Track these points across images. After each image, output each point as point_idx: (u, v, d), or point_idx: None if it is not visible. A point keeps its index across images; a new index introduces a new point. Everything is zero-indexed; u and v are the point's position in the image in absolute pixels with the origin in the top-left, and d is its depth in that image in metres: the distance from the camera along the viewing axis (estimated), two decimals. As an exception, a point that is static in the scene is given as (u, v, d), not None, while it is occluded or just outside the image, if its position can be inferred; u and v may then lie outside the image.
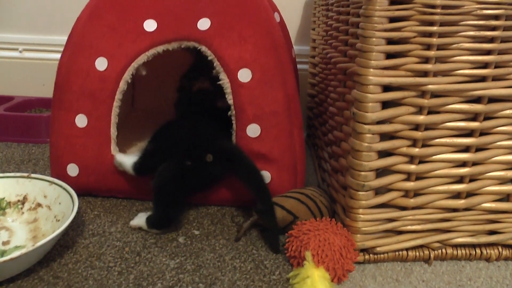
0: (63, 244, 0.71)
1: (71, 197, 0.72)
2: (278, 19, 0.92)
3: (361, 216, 0.67)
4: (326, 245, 0.65)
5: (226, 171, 0.77)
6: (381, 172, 0.67)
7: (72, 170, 0.81)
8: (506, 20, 0.61)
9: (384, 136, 0.65)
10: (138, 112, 1.14)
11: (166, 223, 0.75)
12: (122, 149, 0.86)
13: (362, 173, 0.65)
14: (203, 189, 0.80)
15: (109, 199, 0.85)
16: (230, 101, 0.77)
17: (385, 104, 0.63)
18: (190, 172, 0.75)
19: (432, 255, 0.71)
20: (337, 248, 0.65)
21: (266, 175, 0.78)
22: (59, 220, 0.72)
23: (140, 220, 0.76)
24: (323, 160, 0.91)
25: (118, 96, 0.80)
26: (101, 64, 0.79)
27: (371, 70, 0.61)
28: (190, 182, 0.75)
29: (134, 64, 0.80)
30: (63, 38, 0.86)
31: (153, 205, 0.76)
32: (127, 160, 0.78)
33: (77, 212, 0.78)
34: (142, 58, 0.80)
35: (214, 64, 0.77)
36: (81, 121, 0.80)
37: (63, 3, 1.23)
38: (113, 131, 0.80)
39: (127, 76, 0.80)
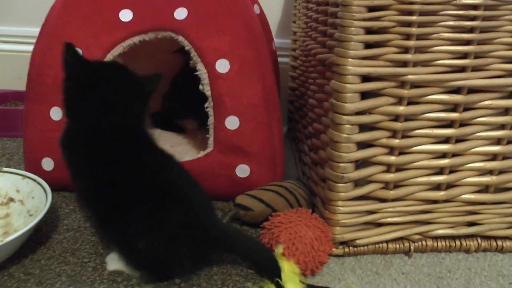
0: (36, 240, 0.69)
1: (45, 191, 0.70)
2: (258, 11, 0.90)
3: (340, 208, 0.66)
4: (297, 237, 0.64)
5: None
6: (360, 163, 0.66)
7: (47, 164, 0.79)
8: (485, 10, 0.60)
9: (364, 127, 0.64)
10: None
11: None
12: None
13: (341, 164, 0.64)
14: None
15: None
16: (208, 92, 0.75)
17: (364, 95, 0.62)
18: None
19: (412, 247, 0.70)
20: (308, 240, 0.64)
21: (245, 169, 0.77)
22: (32, 215, 0.70)
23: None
24: (303, 153, 0.90)
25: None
26: None
27: (350, 60, 0.60)
28: None
29: (110, 56, 0.78)
30: (36, 30, 0.83)
31: None
32: None
33: (51, 207, 0.77)
34: (118, 49, 0.78)
35: (191, 55, 0.76)
36: (56, 114, 0.78)
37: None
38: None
39: (102, 67, 0.77)
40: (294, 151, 1.02)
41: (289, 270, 0.61)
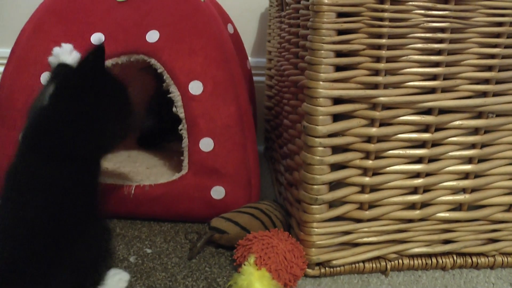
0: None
1: None
2: (231, 31, 0.91)
3: (315, 230, 0.66)
4: (269, 248, 0.64)
5: None
6: (334, 185, 0.66)
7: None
8: (451, 33, 0.61)
9: (337, 149, 0.64)
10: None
11: None
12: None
13: (315, 186, 0.64)
14: None
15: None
16: (182, 115, 0.75)
17: (336, 117, 0.63)
18: None
19: (388, 266, 0.70)
20: (280, 251, 0.64)
21: (220, 191, 0.76)
22: None
23: None
24: (279, 173, 0.90)
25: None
26: (46, 78, 0.76)
27: (321, 83, 0.60)
28: None
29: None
30: (6, 51, 0.82)
31: None
32: None
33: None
34: (90, 73, 0.77)
35: (164, 77, 0.75)
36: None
37: (7, 13, 1.17)
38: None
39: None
40: (271, 171, 1.02)
41: (259, 275, 0.61)
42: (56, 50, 0.67)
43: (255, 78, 1.09)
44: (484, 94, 0.66)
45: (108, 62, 0.77)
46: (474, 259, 0.72)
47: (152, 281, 0.66)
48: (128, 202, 0.78)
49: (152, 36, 0.76)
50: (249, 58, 1.11)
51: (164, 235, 0.77)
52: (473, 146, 0.68)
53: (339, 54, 0.61)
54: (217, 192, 0.77)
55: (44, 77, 0.76)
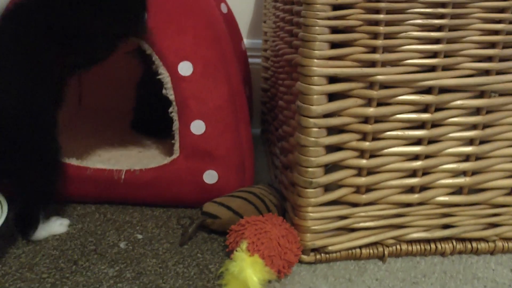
0: (-10, 255, 0.65)
1: (0, 203, 0.66)
2: (225, 10, 0.88)
3: (310, 214, 0.64)
4: (262, 233, 0.62)
5: None
6: (330, 167, 0.64)
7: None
8: (453, 7, 0.58)
9: (332, 130, 0.62)
10: (86, 110, 1.08)
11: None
12: (69, 150, 0.80)
13: (310, 169, 0.61)
14: None
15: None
16: (172, 97, 0.73)
17: (332, 96, 0.60)
18: None
19: (386, 252, 0.69)
20: (274, 237, 0.62)
21: (213, 174, 0.74)
22: (-14, 229, 0.66)
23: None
24: (275, 156, 0.88)
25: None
26: None
27: (315, 60, 0.57)
28: None
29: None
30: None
31: None
32: None
33: (10, 219, 0.73)
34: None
35: (153, 58, 0.73)
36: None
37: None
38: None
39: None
40: (267, 153, 0.99)
41: (251, 261, 0.59)
42: None
43: (251, 60, 1.06)
44: (486, 72, 0.63)
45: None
46: (474, 244, 0.71)
47: (142, 267, 0.64)
48: (118, 187, 0.75)
49: (141, 16, 0.74)
50: (245, 39, 1.09)
51: (155, 220, 0.75)
52: (474, 126, 0.65)
53: (334, 30, 0.58)
54: (210, 176, 0.74)
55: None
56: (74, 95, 1.06)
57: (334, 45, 0.58)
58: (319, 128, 0.60)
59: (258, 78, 1.09)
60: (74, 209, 0.78)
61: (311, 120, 0.59)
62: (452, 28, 0.60)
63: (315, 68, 0.58)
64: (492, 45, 0.62)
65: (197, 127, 0.73)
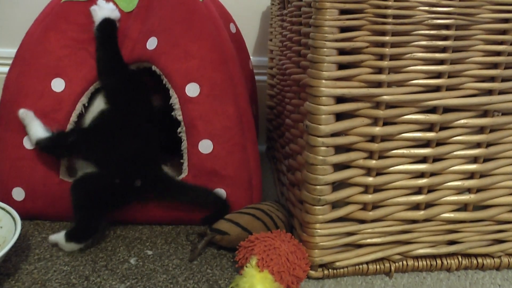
0: (3, 272, 0.66)
1: (14, 220, 0.68)
2: (234, 30, 0.90)
3: (318, 231, 0.65)
4: (272, 249, 0.63)
5: (160, 197, 0.76)
6: (337, 185, 0.65)
7: (18, 194, 0.76)
8: (456, 30, 0.60)
9: (340, 149, 0.63)
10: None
11: (86, 235, 0.72)
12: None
13: (318, 187, 0.63)
14: (124, 206, 0.77)
15: (59, 221, 0.80)
16: (180, 117, 0.74)
17: (339, 116, 0.62)
18: (116, 190, 0.73)
19: (393, 268, 0.69)
20: (283, 252, 0.63)
21: (221, 192, 0.75)
22: None
23: (58, 235, 0.72)
24: (281, 173, 0.89)
25: (74, 118, 0.76)
26: (58, 85, 0.76)
27: (323, 81, 0.59)
28: (114, 198, 0.74)
29: (92, 88, 0.77)
30: (6, 51, 0.81)
31: (73, 215, 0.73)
32: None
33: (22, 236, 0.74)
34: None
35: (164, 82, 0.75)
36: (28, 142, 0.76)
37: (6, 13, 1.16)
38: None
39: (84, 98, 0.77)
40: (273, 170, 1.01)
41: (261, 277, 0.60)
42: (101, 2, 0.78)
43: (256, 77, 1.08)
44: (489, 92, 0.64)
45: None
46: (480, 260, 0.71)
47: (153, 283, 0.65)
48: (128, 207, 0.77)
49: (152, 43, 0.76)
50: (251, 57, 1.10)
51: (165, 237, 0.76)
52: (478, 145, 0.66)
53: (341, 52, 0.59)
54: (218, 195, 0.76)
55: (56, 82, 0.76)
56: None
57: (341, 66, 0.60)
58: (327, 147, 0.61)
59: (263, 95, 1.10)
60: (85, 226, 0.79)
61: (320, 139, 0.61)
62: (455, 49, 0.62)
63: (323, 89, 0.59)
64: (495, 65, 0.63)
65: (205, 146, 0.74)
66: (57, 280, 0.65)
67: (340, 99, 0.61)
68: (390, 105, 0.62)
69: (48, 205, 0.77)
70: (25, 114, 0.75)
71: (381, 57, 0.60)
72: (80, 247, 0.72)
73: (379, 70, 0.60)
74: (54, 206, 0.77)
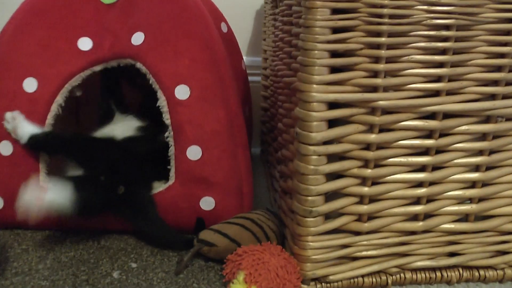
0: (-23, 288, 0.63)
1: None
2: (225, 30, 0.86)
3: (310, 243, 0.61)
4: (260, 264, 0.60)
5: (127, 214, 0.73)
6: (331, 195, 0.61)
7: (-4, 202, 0.73)
8: (457, 30, 0.56)
9: (332, 157, 0.59)
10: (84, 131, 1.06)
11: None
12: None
13: (309, 198, 0.59)
14: (96, 211, 0.74)
15: (41, 231, 0.77)
16: (168, 121, 0.71)
17: (332, 123, 0.58)
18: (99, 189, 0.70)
19: (390, 281, 0.66)
20: (272, 267, 0.59)
21: (210, 201, 0.72)
22: (-25, 259, 0.64)
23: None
24: (274, 179, 0.85)
25: (50, 120, 0.73)
26: (30, 85, 0.72)
27: (314, 86, 0.55)
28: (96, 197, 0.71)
29: (68, 86, 0.73)
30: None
31: None
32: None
33: (0, 248, 0.71)
34: (77, 79, 0.74)
35: (150, 81, 0.71)
36: (5, 148, 0.72)
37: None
38: (43, 159, 0.73)
39: (60, 98, 0.73)
40: (267, 175, 0.97)
41: None
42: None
43: (251, 78, 1.04)
44: (492, 96, 0.61)
45: (96, 68, 0.74)
46: (482, 272, 0.68)
47: (135, 299, 0.61)
48: (113, 216, 0.73)
49: (137, 38, 0.73)
50: (245, 57, 1.07)
51: (151, 247, 0.73)
52: (480, 152, 0.63)
53: (334, 54, 0.56)
54: (207, 203, 0.72)
55: (28, 82, 0.72)
56: (72, 114, 1.04)
57: (334, 69, 0.56)
58: (319, 155, 0.58)
59: (258, 96, 1.07)
60: (67, 236, 0.75)
61: (311, 147, 0.57)
62: (456, 51, 0.58)
63: (314, 94, 0.55)
64: (498, 68, 0.60)
65: (194, 152, 0.71)
66: (34, 296, 0.61)
67: (332, 105, 0.57)
68: (386, 111, 0.58)
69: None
70: (13, 116, 0.72)
71: (377, 59, 0.56)
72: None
73: (375, 74, 0.57)
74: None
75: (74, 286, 0.63)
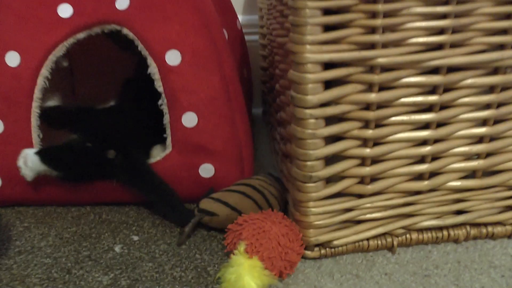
0: (-20, 268, 0.63)
1: None
2: (216, -13, 0.82)
3: (312, 209, 0.60)
4: (261, 233, 0.58)
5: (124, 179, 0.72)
6: (331, 158, 0.59)
7: (-6, 181, 0.72)
8: (460, -24, 0.52)
9: (331, 120, 0.57)
10: (80, 100, 1.04)
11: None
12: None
13: (308, 163, 0.57)
14: (92, 178, 0.73)
15: (42, 207, 0.76)
16: (160, 89, 0.68)
17: (328, 84, 0.55)
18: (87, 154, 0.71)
19: (395, 243, 0.64)
20: (273, 236, 0.58)
21: (209, 168, 0.70)
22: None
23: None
24: (276, 141, 0.83)
25: (37, 95, 0.71)
26: (12, 59, 0.70)
27: (307, 46, 0.52)
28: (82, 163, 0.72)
29: (53, 57, 0.70)
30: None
31: None
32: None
33: (2, 227, 0.70)
34: (60, 49, 0.71)
35: (139, 48, 0.68)
36: (-3, 127, 0.71)
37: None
38: (35, 135, 0.71)
39: (45, 71, 0.70)
40: (270, 137, 0.95)
41: (249, 265, 0.55)
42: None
43: (248, 37, 1.01)
44: (501, 46, 0.57)
45: (79, 36, 0.70)
46: (490, 228, 0.66)
47: (137, 273, 0.61)
48: (112, 188, 0.72)
49: (122, 2, 0.69)
50: (240, 16, 1.03)
51: (152, 219, 0.72)
52: (488, 106, 0.59)
53: (327, 11, 0.52)
54: (206, 170, 0.70)
55: (10, 56, 0.69)
56: (68, 84, 1.01)
57: (327, 28, 0.52)
58: (316, 119, 0.55)
59: (257, 56, 1.03)
60: (69, 211, 0.75)
61: (307, 111, 0.54)
62: (460, 0, 0.53)
63: (307, 55, 0.52)
64: (508, 16, 0.55)
65: (189, 119, 0.68)
66: (37, 275, 0.61)
67: (328, 65, 0.54)
68: (386, 68, 0.55)
69: (29, 189, 0.73)
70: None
71: (374, 14, 0.52)
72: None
73: (372, 30, 0.53)
74: (36, 190, 0.73)
75: (76, 262, 0.63)
